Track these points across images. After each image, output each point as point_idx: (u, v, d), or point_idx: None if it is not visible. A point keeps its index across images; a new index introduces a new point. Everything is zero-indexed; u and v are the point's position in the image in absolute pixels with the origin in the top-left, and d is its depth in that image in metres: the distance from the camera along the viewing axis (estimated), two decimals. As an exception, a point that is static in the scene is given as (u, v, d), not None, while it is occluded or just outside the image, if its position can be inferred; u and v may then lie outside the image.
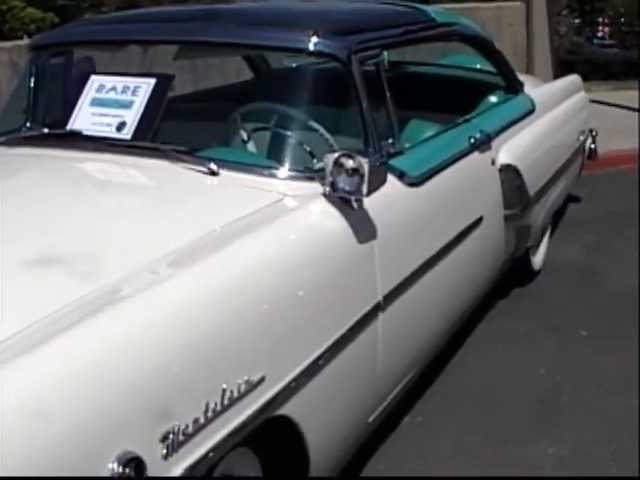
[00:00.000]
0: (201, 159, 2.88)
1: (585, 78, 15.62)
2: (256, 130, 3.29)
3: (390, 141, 3.15)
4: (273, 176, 2.83)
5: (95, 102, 3.22)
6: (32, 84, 3.62)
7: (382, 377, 2.88)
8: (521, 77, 5.62)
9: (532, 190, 4.30)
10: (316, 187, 2.71)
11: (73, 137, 3.15)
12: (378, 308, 2.79)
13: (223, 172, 2.83)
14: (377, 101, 3.17)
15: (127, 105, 3.15)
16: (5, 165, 3.14)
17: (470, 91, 4.65)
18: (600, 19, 25.12)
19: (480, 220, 3.69)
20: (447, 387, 3.77)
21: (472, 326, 4.35)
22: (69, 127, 3.21)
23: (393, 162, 3.07)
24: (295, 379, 2.29)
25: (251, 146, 3.32)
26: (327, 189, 2.66)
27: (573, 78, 6.05)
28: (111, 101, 3.18)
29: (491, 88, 4.68)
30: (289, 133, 3.04)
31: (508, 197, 4.03)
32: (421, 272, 3.09)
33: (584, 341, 4.28)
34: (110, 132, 3.13)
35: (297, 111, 3.08)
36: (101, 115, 3.18)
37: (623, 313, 4.53)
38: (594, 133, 6.15)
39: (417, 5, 4.01)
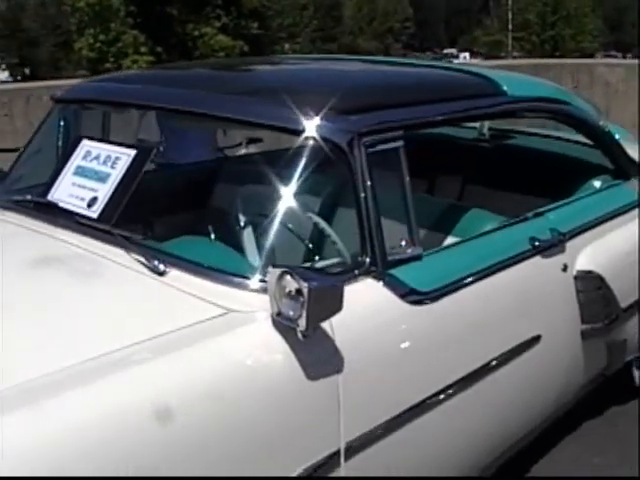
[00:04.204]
0: (151, 253, 2.43)
1: None
2: (251, 217, 2.81)
3: (403, 244, 2.57)
4: (227, 283, 2.33)
5: (78, 171, 2.92)
6: (44, 140, 3.33)
7: None
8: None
9: (629, 299, 3.55)
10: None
11: (49, 208, 2.86)
12: (338, 457, 2.22)
13: (172, 271, 2.36)
14: (390, 194, 2.60)
15: (104, 178, 2.79)
16: None
17: (568, 172, 3.98)
18: None
19: (536, 340, 3.02)
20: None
21: (538, 454, 3.64)
22: (50, 196, 2.89)
23: (398, 272, 2.50)
24: None
25: (248, 235, 2.84)
26: (274, 310, 2.13)
27: None
28: (92, 172, 2.84)
29: (596, 170, 3.98)
30: (270, 227, 2.52)
31: (587, 310, 3.32)
32: (420, 410, 2.49)
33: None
34: (81, 207, 2.80)
35: (287, 201, 2.54)
36: (79, 187, 2.86)
37: None
38: None
39: (487, 74, 3.38)
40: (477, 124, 4.49)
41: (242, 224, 2.84)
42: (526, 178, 4.05)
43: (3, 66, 48.98)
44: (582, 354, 3.42)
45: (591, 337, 3.40)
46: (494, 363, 2.80)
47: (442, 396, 2.58)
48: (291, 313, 2.06)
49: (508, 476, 3.44)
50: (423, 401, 2.48)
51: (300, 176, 2.52)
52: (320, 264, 2.46)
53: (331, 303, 2.07)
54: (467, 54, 56.38)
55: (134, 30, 31.05)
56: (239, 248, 2.81)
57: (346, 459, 2.27)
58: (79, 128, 3.32)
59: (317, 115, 2.53)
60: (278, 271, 2.08)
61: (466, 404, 2.71)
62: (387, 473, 2.45)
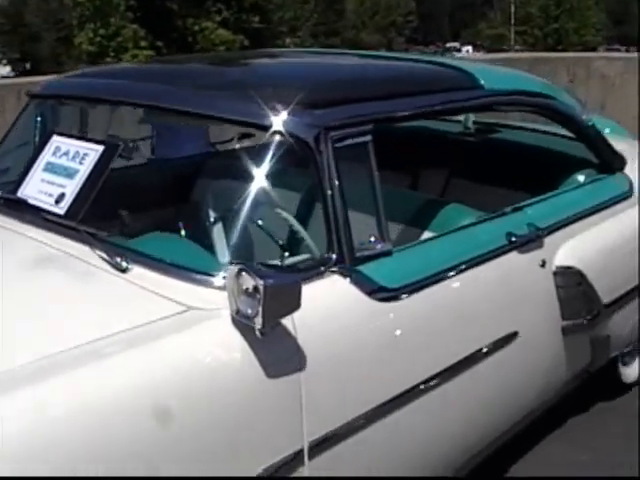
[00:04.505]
0: (115, 250, 2.39)
1: None
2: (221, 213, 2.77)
3: (372, 240, 2.53)
4: (190, 280, 2.29)
5: (47, 167, 2.88)
6: (19, 136, 3.29)
7: None
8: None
9: (613, 294, 3.51)
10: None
11: (18, 204, 2.82)
12: (301, 456, 2.18)
13: (135, 268, 2.32)
14: (359, 189, 2.56)
15: (72, 174, 2.76)
16: None
17: (553, 166, 3.93)
18: None
19: (514, 336, 2.97)
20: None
21: (521, 451, 3.60)
22: (19, 192, 2.86)
23: (366, 268, 2.46)
24: None
25: (218, 232, 2.80)
26: (233, 308, 2.09)
27: None
28: (60, 168, 2.80)
29: (581, 165, 3.92)
30: (238, 224, 2.48)
31: (567, 306, 3.28)
32: (388, 409, 2.45)
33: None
34: (49, 204, 2.76)
35: (255, 197, 2.50)
36: (48, 183, 2.83)
37: None
38: None
39: (464, 67, 3.32)
40: (462, 118, 4.44)
41: (212, 220, 2.80)
42: (511, 172, 4.00)
43: (4, 61, 48.91)
44: (564, 350, 3.38)
45: (573, 333, 3.36)
46: (468, 361, 2.76)
47: (412, 394, 2.53)
48: (249, 311, 2.03)
49: (489, 475, 3.40)
50: (391, 400, 2.44)
51: (268, 172, 2.48)
52: (289, 261, 2.41)
53: (288, 301, 2.04)
54: (470, 47, 56.20)
55: (134, 24, 31.00)
56: (210, 245, 2.77)
57: (310, 458, 2.23)
58: (54, 123, 3.28)
59: (284, 110, 2.49)
60: (235, 268, 2.05)
61: (438, 403, 2.67)
62: (353, 473, 2.42)
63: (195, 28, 20.39)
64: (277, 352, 2.16)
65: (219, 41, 21.99)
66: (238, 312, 2.07)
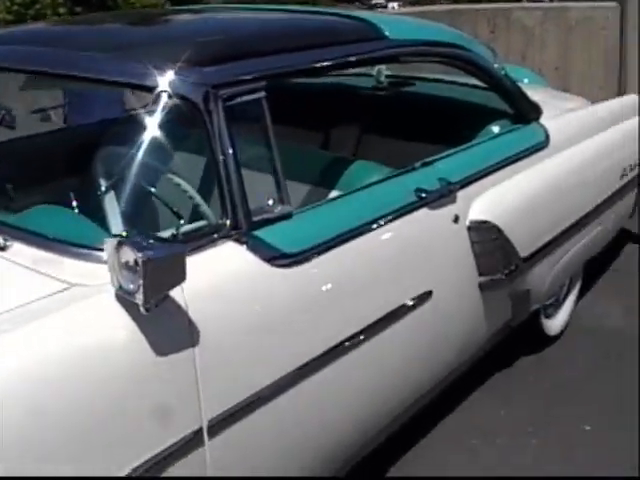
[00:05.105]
0: None
1: None
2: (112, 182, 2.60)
3: (270, 203, 2.38)
4: (73, 255, 2.13)
5: None
6: None
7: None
8: (560, 98, 4.78)
9: (531, 248, 3.43)
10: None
11: None
12: (200, 435, 2.05)
13: (14, 245, 2.16)
14: (254, 150, 2.42)
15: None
16: None
17: (468, 118, 3.82)
18: None
19: (427, 295, 2.87)
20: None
21: (447, 409, 3.53)
22: None
23: (263, 233, 2.32)
24: None
25: (111, 200, 2.63)
26: (115, 284, 1.94)
27: (629, 99, 5.07)
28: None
29: (495, 115, 3.82)
30: (128, 193, 2.33)
31: (484, 261, 3.18)
32: (293, 381, 2.32)
33: (585, 438, 3.40)
34: None
35: (144, 163, 2.34)
36: None
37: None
38: (658, 163, 5.19)
39: (368, 17, 3.18)
40: (374, 71, 4.30)
41: (104, 190, 2.62)
42: (425, 126, 3.89)
43: None
44: (482, 307, 3.29)
45: (491, 289, 3.27)
46: (380, 323, 2.64)
47: (320, 362, 2.41)
48: (130, 286, 1.88)
49: (414, 438, 3.33)
50: (297, 371, 2.31)
51: (157, 136, 2.33)
52: (184, 228, 2.26)
53: (172, 273, 1.89)
54: (395, 4, 55.78)
55: (52, -10, 30.09)
56: (102, 217, 2.61)
57: (210, 437, 2.10)
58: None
59: (169, 69, 2.33)
60: (115, 241, 1.89)
61: (352, 368, 2.56)
62: (261, 448, 2.30)
63: (116, -9, 19.84)
64: (167, 328, 2.01)
65: (140, 4, 21.36)
66: (121, 288, 1.91)
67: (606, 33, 8.94)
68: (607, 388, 3.76)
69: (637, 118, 4.86)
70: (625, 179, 4.50)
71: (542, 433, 3.45)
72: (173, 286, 1.91)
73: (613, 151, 4.35)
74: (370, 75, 4.33)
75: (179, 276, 1.90)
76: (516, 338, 3.90)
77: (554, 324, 4.22)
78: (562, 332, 4.29)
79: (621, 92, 8.83)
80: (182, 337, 2.03)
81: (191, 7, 4.26)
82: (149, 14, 4.07)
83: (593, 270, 4.71)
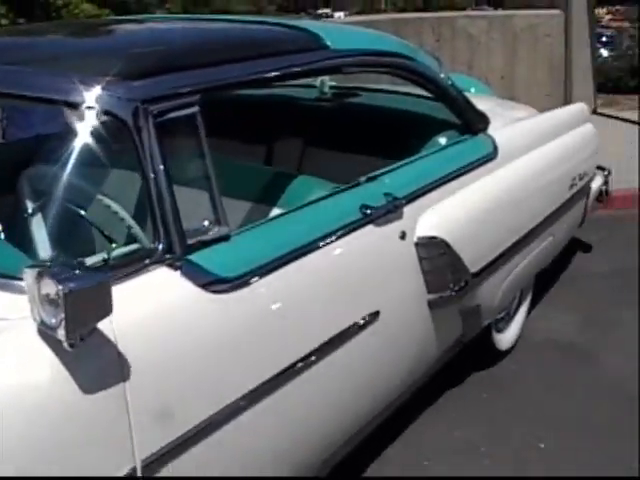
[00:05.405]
0: None
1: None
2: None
3: (206, 224, 2.25)
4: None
5: None
6: None
7: None
8: (507, 107, 4.72)
9: (481, 262, 3.33)
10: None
11: None
12: (134, 477, 1.91)
13: None
14: (188, 168, 2.28)
15: None
16: None
17: (414, 130, 3.72)
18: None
19: (375, 316, 2.75)
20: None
21: (399, 430, 3.42)
22: None
23: (199, 257, 2.18)
24: None
25: (38, 223, 2.47)
26: (36, 317, 1.78)
27: (577, 107, 5.03)
28: None
29: (442, 127, 3.73)
30: (56, 216, 2.18)
31: (433, 278, 3.07)
32: (234, 413, 2.19)
33: (539, 456, 3.29)
34: None
35: (73, 185, 2.19)
36: None
37: (604, 417, 3.55)
38: (606, 172, 5.18)
39: (309, 27, 3.06)
40: (317, 82, 4.18)
41: (30, 213, 2.46)
42: (370, 138, 3.78)
43: None
44: (432, 325, 3.19)
45: (440, 306, 3.17)
46: (325, 348, 2.52)
47: (262, 391, 2.28)
48: (52, 320, 1.73)
49: (363, 463, 3.21)
50: (237, 402, 2.18)
51: (86, 154, 2.18)
52: (115, 253, 2.11)
53: (97, 305, 1.74)
54: (342, 14, 55.83)
55: (-6, 2, 29.60)
56: (29, 242, 2.46)
57: (145, 477, 1.96)
58: None
59: (97, 83, 2.18)
60: (34, 271, 1.74)
61: (294, 397, 2.43)
62: None
63: (59, 3, 19.51)
64: (94, 364, 1.87)
65: (84, 16, 21.10)
66: (42, 322, 1.76)
67: (551, 40, 8.96)
68: (561, 403, 3.68)
69: (585, 126, 4.82)
70: (575, 188, 4.45)
71: (496, 452, 3.34)
72: (99, 319, 1.77)
73: (562, 161, 4.30)
74: (314, 86, 4.21)
75: (105, 308, 1.75)
76: (467, 354, 3.80)
77: (505, 338, 4.14)
78: (514, 346, 4.20)
79: (567, 99, 8.87)
80: (112, 373, 1.88)
81: (129, 17, 4.11)
82: (83, 25, 3.90)
83: (544, 281, 4.64)
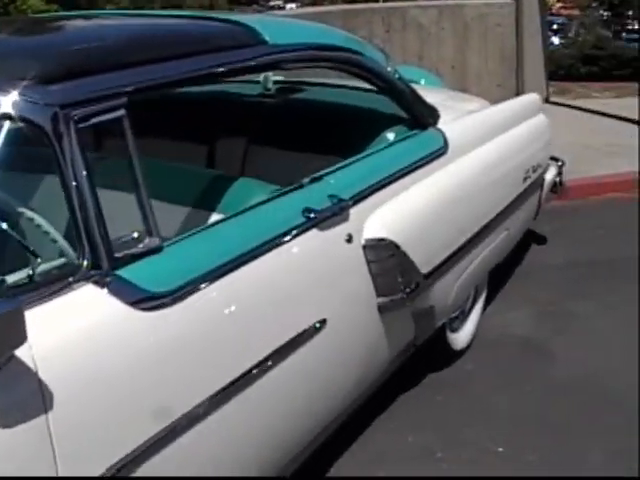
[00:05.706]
0: None
1: (608, 74, 14.49)
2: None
3: (135, 236, 2.10)
4: None
5: None
6: None
7: None
8: (458, 99, 4.61)
9: (432, 262, 3.22)
10: None
11: None
12: None
13: None
14: (114, 176, 2.13)
15: None
16: None
17: (362, 126, 3.59)
18: (630, 12, 23.82)
19: (322, 324, 2.62)
20: None
21: (352, 437, 3.30)
22: None
23: (128, 272, 2.03)
24: None
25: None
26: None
27: (529, 98, 4.95)
28: None
29: (390, 122, 3.61)
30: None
31: (382, 281, 2.95)
32: (171, 436, 2.05)
33: (498, 460, 3.20)
34: None
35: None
36: None
37: (562, 414, 3.47)
38: (560, 163, 5.10)
39: (245, 21, 2.91)
40: (261, 78, 4.03)
41: None
42: (316, 135, 3.64)
43: None
44: (382, 329, 3.07)
45: (391, 310, 3.05)
46: (269, 361, 2.38)
47: (202, 412, 2.14)
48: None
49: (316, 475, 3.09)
50: (180, 419, 2.04)
51: (4, 164, 2.01)
52: (41, 268, 1.96)
53: (8, 334, 1.59)
54: (293, 5, 55.57)
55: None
56: None
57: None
58: None
59: (12, 88, 2.01)
60: None
61: (239, 413, 2.30)
62: None
63: (6, -1, 19.17)
64: (12, 395, 1.71)
65: (32, 12, 20.73)
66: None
67: (502, 30, 8.90)
68: (518, 405, 3.58)
69: (538, 117, 4.74)
70: (528, 181, 4.37)
71: (453, 457, 3.24)
72: (13, 349, 1.62)
73: (515, 153, 4.21)
74: (257, 82, 4.06)
75: (18, 336, 1.60)
76: (422, 356, 3.69)
77: (460, 338, 4.04)
78: (469, 345, 4.10)
79: (519, 88, 8.81)
80: (32, 403, 1.74)
81: (68, 13, 3.92)
82: (16, 22, 3.69)
83: (498, 276, 4.55)
